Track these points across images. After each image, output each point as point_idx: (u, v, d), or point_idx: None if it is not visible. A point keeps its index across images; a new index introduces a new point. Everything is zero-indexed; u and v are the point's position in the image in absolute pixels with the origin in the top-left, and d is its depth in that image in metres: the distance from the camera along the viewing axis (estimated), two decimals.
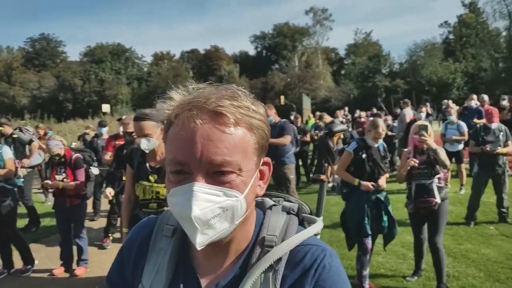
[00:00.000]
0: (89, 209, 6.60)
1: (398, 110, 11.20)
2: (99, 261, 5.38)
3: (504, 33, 48.71)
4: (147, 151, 3.04)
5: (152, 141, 3.00)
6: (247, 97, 0.82)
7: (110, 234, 6.27)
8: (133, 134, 4.37)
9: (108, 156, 6.22)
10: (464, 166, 8.61)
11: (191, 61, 65.66)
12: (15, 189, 5.14)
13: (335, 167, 4.33)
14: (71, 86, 55.47)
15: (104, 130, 7.87)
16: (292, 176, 6.73)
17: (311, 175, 10.66)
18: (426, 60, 50.91)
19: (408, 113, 9.96)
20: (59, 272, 5.09)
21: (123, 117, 6.12)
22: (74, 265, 5.17)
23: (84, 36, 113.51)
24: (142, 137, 2.99)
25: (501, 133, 6.32)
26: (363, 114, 15.37)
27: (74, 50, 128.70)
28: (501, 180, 6.28)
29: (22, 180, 5.57)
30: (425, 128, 4.12)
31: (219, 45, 69.31)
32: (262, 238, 0.86)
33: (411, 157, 4.21)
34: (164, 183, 2.80)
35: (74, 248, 5.20)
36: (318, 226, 0.92)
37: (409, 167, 4.17)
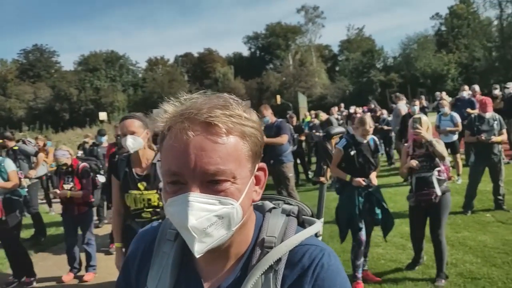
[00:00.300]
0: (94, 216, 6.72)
1: (394, 105, 11.34)
2: (106, 266, 5.48)
3: (495, 22, 49.00)
4: (132, 151, 2.92)
5: (138, 140, 2.88)
6: (239, 105, 0.83)
7: None
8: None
9: None
10: (460, 156, 8.75)
11: (186, 65, 65.80)
12: (21, 199, 5.25)
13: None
14: (67, 96, 55.55)
15: (104, 139, 8.00)
16: (291, 174, 6.86)
17: (309, 174, 10.79)
18: (420, 52, 51.21)
19: (402, 107, 10.09)
20: (69, 279, 5.20)
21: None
22: (83, 271, 5.28)
23: (77, 45, 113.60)
24: (128, 134, 2.87)
25: (495, 122, 6.44)
26: (358, 110, 15.48)
27: (68, 60, 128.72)
28: (497, 168, 6.39)
29: (26, 190, 5.68)
30: (418, 121, 4.18)
31: (212, 47, 69.82)
32: (262, 240, 0.88)
33: (411, 151, 4.30)
34: (154, 190, 2.89)
35: (82, 254, 5.31)
36: (317, 226, 0.94)
37: (407, 162, 4.26)
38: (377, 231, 4.74)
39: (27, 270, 5.17)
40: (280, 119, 7.05)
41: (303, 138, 11.02)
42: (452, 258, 4.70)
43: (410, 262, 4.59)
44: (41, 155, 7.24)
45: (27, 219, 6.90)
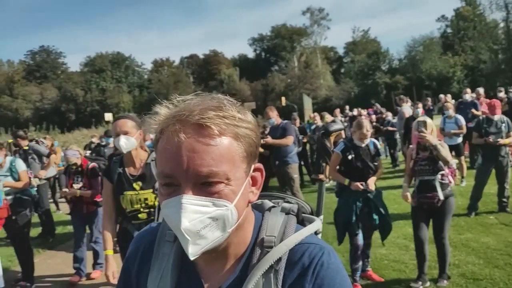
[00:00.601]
0: None
1: (399, 108, 11.40)
2: None
3: (502, 25, 48.83)
4: (124, 151, 2.87)
5: (131, 139, 2.84)
6: (233, 105, 0.82)
7: None
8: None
9: None
10: (464, 159, 8.77)
11: (191, 67, 66.04)
12: (31, 199, 5.34)
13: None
14: (73, 97, 55.92)
15: (111, 140, 8.11)
16: (296, 175, 6.92)
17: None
18: (425, 55, 51.11)
19: (406, 109, 10.13)
20: (75, 280, 5.16)
21: None
22: (90, 269, 5.38)
23: (84, 47, 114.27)
24: (121, 134, 2.83)
25: (503, 124, 6.46)
26: (363, 112, 15.51)
27: (75, 61, 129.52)
28: (504, 170, 6.40)
29: (36, 189, 5.78)
30: (423, 124, 4.11)
31: (218, 49, 69.73)
32: (261, 240, 0.87)
33: (414, 155, 4.25)
34: (150, 189, 2.88)
35: (89, 253, 5.39)
36: (316, 224, 0.94)
37: (411, 165, 4.23)
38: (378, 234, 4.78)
39: (27, 274, 5.14)
40: (286, 121, 7.12)
41: (306, 140, 11.08)
42: (455, 259, 4.74)
43: (416, 278, 4.29)
44: (53, 156, 7.32)
45: (34, 218, 7.00)
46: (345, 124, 13.16)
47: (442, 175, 4.09)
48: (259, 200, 0.98)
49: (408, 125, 7.93)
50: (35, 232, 7.36)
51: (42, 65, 61.78)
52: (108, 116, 27.15)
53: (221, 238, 0.81)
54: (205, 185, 0.78)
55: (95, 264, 5.37)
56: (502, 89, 11.28)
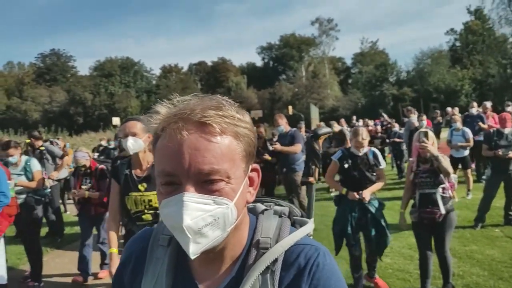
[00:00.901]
0: None
1: (406, 119, 11.45)
2: None
3: (511, 39, 48.73)
4: (131, 152, 2.89)
5: (139, 141, 2.87)
6: (231, 106, 0.84)
7: None
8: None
9: None
10: (471, 172, 8.78)
11: (199, 73, 66.46)
12: (43, 199, 5.43)
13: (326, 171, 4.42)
14: (82, 100, 56.46)
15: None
16: None
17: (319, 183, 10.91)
18: (433, 67, 51.08)
19: (415, 120, 10.16)
20: (80, 280, 5.22)
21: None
22: (98, 269, 5.45)
23: (93, 51, 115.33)
24: (129, 136, 2.85)
25: None
26: (370, 122, 15.56)
27: (84, 65, 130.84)
28: None
29: (49, 190, 5.86)
30: (425, 134, 4.06)
31: (226, 57, 70.49)
32: (257, 241, 0.88)
33: (415, 167, 4.16)
34: (154, 190, 2.84)
35: (95, 253, 5.46)
36: (309, 226, 0.94)
37: (411, 178, 4.13)
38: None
39: (36, 273, 5.21)
40: (294, 129, 7.20)
41: None
42: (459, 270, 4.77)
43: None
44: (66, 158, 7.41)
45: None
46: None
47: (443, 188, 4.01)
48: (251, 204, 0.99)
49: (412, 137, 7.97)
50: (42, 231, 7.45)
51: (52, 68, 62.52)
52: (116, 120, 27.34)
53: (221, 237, 0.81)
54: (206, 183, 0.78)
55: (103, 264, 5.45)
56: (510, 103, 11.28)
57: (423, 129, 4.31)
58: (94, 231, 5.51)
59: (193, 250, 0.78)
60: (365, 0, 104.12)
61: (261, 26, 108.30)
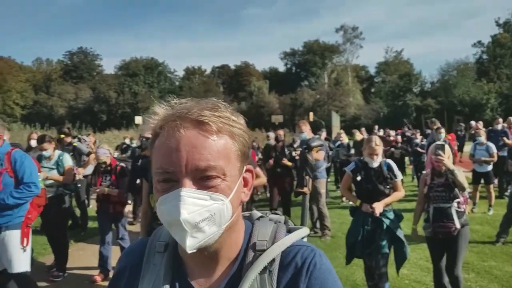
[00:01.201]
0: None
1: (429, 131, 11.35)
2: None
3: None
4: None
5: None
6: (227, 108, 0.87)
7: None
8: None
9: None
10: (493, 187, 8.68)
11: (222, 76, 66.94)
12: (73, 194, 5.61)
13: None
14: (106, 98, 57.49)
15: None
16: (323, 191, 7.00)
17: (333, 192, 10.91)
18: (459, 79, 50.23)
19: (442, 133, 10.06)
20: (99, 279, 5.29)
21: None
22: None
23: (119, 50, 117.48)
24: None
25: None
26: (392, 132, 15.48)
27: (110, 64, 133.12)
28: None
29: (79, 186, 6.04)
30: (442, 147, 3.96)
31: (249, 61, 70.59)
32: (254, 244, 0.89)
33: (429, 181, 4.08)
34: None
35: (116, 248, 5.59)
36: (305, 230, 0.96)
37: (425, 191, 4.06)
38: None
39: (61, 264, 5.42)
40: (317, 136, 7.22)
41: None
42: (477, 285, 4.75)
43: None
44: (93, 156, 7.66)
45: None
46: None
47: (458, 202, 3.94)
48: (247, 212, 1.02)
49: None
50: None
51: (78, 66, 63.90)
52: (138, 119, 27.76)
53: (217, 233, 0.83)
54: (203, 180, 0.81)
55: None
56: None
57: (439, 142, 4.23)
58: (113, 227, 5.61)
59: (190, 244, 0.80)
60: (392, 10, 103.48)
61: (285, 32, 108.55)
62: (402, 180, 4.43)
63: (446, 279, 4.07)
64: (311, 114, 32.50)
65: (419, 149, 11.73)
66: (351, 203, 4.61)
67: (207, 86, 60.05)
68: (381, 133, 16.56)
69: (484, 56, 54.30)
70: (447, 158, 3.94)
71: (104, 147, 5.72)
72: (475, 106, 46.72)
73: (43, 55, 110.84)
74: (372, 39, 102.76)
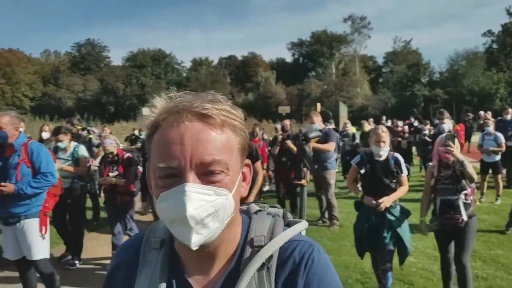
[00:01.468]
0: (138, 204, 7.39)
1: (438, 121, 11.33)
2: None
3: None
4: None
5: None
6: (226, 101, 0.85)
7: None
8: None
9: None
10: (501, 177, 8.69)
11: (229, 67, 66.95)
12: (87, 185, 5.73)
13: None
14: (114, 90, 57.81)
15: None
16: (333, 181, 7.06)
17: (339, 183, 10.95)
18: (468, 69, 49.78)
19: (448, 123, 10.04)
20: None
21: None
22: None
23: (127, 42, 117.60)
24: None
25: None
26: (399, 123, 15.45)
27: (117, 55, 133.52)
28: None
29: (94, 177, 6.15)
30: (451, 138, 3.88)
31: (256, 52, 70.59)
32: (251, 239, 0.88)
33: (435, 173, 4.00)
34: None
35: (126, 238, 5.72)
36: (303, 224, 0.94)
37: (432, 183, 3.99)
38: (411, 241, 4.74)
39: (76, 252, 5.56)
40: (328, 127, 7.24)
41: None
42: (483, 272, 4.82)
43: None
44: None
45: None
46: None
47: (466, 194, 3.88)
48: (245, 206, 1.01)
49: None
50: None
51: (86, 58, 64.29)
52: (146, 111, 27.85)
53: (219, 230, 0.81)
54: (207, 175, 0.79)
55: None
56: None
57: (448, 133, 4.19)
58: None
59: (195, 241, 0.78)
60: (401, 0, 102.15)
61: (293, 22, 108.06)
62: (409, 171, 4.33)
63: (453, 268, 4.07)
64: (318, 104, 32.34)
65: (427, 138, 11.72)
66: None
67: (214, 77, 60.09)
68: (389, 123, 16.51)
69: (494, 46, 53.67)
70: (456, 149, 3.87)
71: (110, 137, 5.75)
72: (484, 96, 46.31)
73: (51, 47, 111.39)
74: (380, 29, 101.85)
